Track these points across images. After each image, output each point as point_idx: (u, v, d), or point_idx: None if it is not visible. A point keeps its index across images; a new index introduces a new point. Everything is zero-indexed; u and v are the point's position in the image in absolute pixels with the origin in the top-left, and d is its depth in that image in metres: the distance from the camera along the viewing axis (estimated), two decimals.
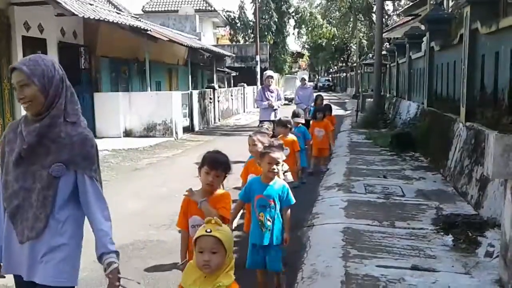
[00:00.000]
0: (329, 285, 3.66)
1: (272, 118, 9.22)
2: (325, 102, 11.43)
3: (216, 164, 2.99)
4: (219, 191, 3.11)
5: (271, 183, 3.54)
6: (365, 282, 3.68)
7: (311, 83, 75.03)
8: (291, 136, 6.20)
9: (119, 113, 13.70)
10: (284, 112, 9.50)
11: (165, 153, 11.34)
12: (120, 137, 13.65)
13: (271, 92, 9.67)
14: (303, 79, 12.49)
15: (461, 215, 5.38)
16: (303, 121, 7.83)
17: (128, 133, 13.93)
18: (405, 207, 5.82)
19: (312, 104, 11.05)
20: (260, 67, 27.31)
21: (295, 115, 7.58)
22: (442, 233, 4.80)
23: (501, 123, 5.60)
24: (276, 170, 3.54)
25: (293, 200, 3.63)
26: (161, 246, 4.75)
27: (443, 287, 3.56)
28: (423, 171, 8.08)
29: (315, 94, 11.79)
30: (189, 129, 16.01)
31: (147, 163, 9.90)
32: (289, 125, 6.23)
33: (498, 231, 4.63)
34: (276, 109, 9.54)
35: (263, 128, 5.76)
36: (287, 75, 40.23)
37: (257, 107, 10.15)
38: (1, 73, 10.27)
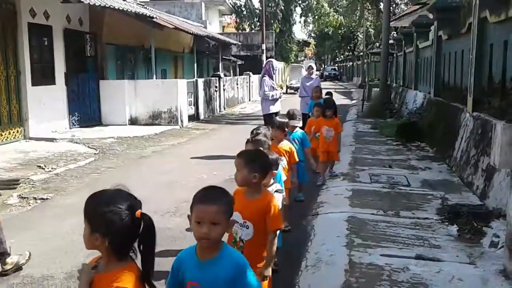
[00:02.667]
0: (333, 274, 3.67)
1: (276, 110, 8.83)
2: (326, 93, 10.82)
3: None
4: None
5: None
6: (369, 270, 3.68)
7: (317, 72, 74.89)
8: (286, 144, 4.80)
9: (125, 101, 13.71)
10: (291, 104, 9.22)
11: (170, 141, 11.35)
12: (126, 124, 13.67)
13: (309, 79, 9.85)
14: (310, 67, 10.87)
15: (467, 205, 5.36)
16: (301, 124, 5.92)
17: (133, 121, 13.94)
18: (410, 197, 5.81)
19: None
20: (266, 56, 27.21)
21: (290, 116, 5.69)
22: (447, 223, 4.79)
23: (508, 113, 5.56)
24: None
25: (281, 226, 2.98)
26: (165, 233, 4.77)
27: (447, 277, 3.55)
28: (429, 161, 8.05)
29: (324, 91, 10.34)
30: (194, 118, 16.00)
31: (152, 151, 9.92)
32: (286, 129, 4.92)
33: (503, 222, 4.61)
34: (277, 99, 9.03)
35: (261, 135, 4.19)
36: (292, 64, 40.07)
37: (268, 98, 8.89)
38: (7, 60, 10.27)
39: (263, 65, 9.56)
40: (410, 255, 3.98)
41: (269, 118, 8.25)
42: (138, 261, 1.86)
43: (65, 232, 4.93)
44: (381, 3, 25.94)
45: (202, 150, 9.59)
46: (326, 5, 40.41)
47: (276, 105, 8.91)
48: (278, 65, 9.62)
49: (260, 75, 10.18)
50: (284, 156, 4.57)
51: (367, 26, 41.91)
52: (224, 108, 20.29)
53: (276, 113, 8.47)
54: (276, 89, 8.96)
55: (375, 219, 4.96)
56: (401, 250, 4.10)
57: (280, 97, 9.01)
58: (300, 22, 48.09)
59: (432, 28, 11.11)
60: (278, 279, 3.79)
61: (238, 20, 38.69)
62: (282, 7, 35.86)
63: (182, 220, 5.03)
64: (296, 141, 5.61)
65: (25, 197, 6.21)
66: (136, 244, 1.83)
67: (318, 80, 10.78)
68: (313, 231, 4.81)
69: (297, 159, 4.80)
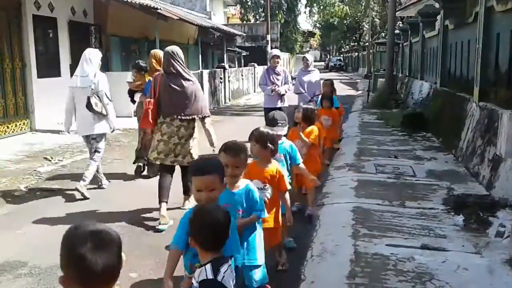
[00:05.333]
0: (339, 264, 3.68)
1: (279, 105, 7.97)
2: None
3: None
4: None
5: (234, 189, 2.96)
6: (374, 260, 3.69)
7: (322, 63, 74.49)
8: (274, 165, 3.55)
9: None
10: (293, 99, 8.81)
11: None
12: (131, 116, 13.61)
13: (277, 74, 8.14)
14: (304, 59, 9.09)
15: (473, 195, 5.35)
16: (285, 132, 4.34)
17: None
18: (415, 187, 5.80)
19: (318, 94, 8.49)
20: (271, 47, 27.09)
21: (269, 121, 4.28)
22: (453, 213, 4.78)
23: None
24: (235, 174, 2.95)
25: (266, 214, 3.14)
26: (176, 223, 4.79)
27: (453, 267, 3.56)
28: (435, 151, 8.02)
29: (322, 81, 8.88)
30: None
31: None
32: (271, 145, 3.45)
33: (509, 211, 4.61)
34: (283, 95, 8.16)
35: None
36: (297, 55, 39.88)
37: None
38: (13, 52, 10.30)
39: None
40: (416, 245, 3.98)
41: (265, 114, 7.60)
42: (150, 239, 1.86)
43: (72, 223, 4.93)
44: None
45: (207, 141, 9.58)
46: None
47: (278, 101, 8.08)
48: (276, 52, 8.42)
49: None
50: (270, 183, 3.46)
51: (373, 16, 41.63)
52: (229, 99, 20.28)
53: (275, 109, 7.39)
54: (274, 83, 8.03)
55: (381, 209, 4.96)
56: (407, 240, 4.10)
57: (284, 92, 8.15)
58: (305, 12, 47.63)
59: (438, 17, 11.02)
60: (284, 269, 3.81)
61: (242, 11, 38.50)
62: None
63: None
64: (282, 156, 4.13)
65: (32, 189, 6.26)
66: None
67: (317, 74, 8.98)
68: (318, 222, 4.81)
69: (288, 186, 3.58)
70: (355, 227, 4.41)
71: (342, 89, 25.06)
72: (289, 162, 4.27)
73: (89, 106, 5.85)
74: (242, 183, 3.00)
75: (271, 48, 26.46)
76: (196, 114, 5.12)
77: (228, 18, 40.38)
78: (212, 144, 5.30)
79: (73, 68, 12.34)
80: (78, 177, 6.89)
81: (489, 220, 4.47)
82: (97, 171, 6.19)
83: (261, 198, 3.08)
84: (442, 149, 8.13)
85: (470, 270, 3.51)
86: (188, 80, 5.04)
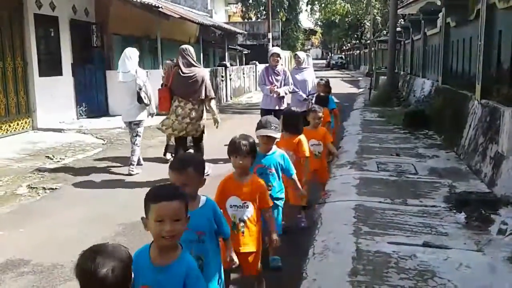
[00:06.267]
0: (340, 261, 3.68)
1: (277, 107, 7.45)
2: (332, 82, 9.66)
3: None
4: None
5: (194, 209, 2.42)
6: (376, 258, 3.69)
7: (324, 61, 74.32)
8: (254, 178, 3.14)
9: None
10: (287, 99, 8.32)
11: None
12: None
13: (277, 74, 7.49)
14: (296, 56, 8.32)
15: (474, 193, 5.35)
16: (278, 136, 3.72)
17: None
18: (417, 185, 5.80)
19: (314, 92, 7.83)
20: (272, 45, 27.08)
21: (260, 125, 3.69)
22: (454, 211, 4.78)
23: None
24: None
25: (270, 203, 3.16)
26: None
27: (455, 264, 3.55)
28: (437, 149, 8.02)
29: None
30: None
31: (159, 140, 9.94)
32: (251, 156, 3.04)
33: (511, 209, 4.60)
34: (283, 96, 7.58)
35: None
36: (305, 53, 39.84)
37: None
38: (14, 51, 10.31)
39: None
40: (418, 242, 3.98)
41: (261, 115, 6.90)
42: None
43: (74, 221, 4.98)
44: None
45: (209, 140, 9.59)
46: None
47: (276, 103, 7.52)
48: (276, 50, 7.84)
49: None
50: (250, 200, 3.03)
51: (374, 13, 41.52)
52: (231, 97, 20.27)
53: (278, 111, 7.20)
54: (274, 83, 7.45)
55: (383, 207, 4.96)
56: (409, 237, 4.10)
57: (284, 94, 7.56)
58: (306, 10, 47.58)
59: (440, 15, 11.00)
60: (286, 267, 3.82)
61: (244, 9, 38.51)
62: None
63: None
64: (273, 169, 3.65)
65: (34, 187, 6.27)
66: None
67: (311, 71, 8.22)
68: (320, 219, 4.81)
69: (270, 203, 3.15)
70: (357, 225, 4.41)
71: (343, 87, 25.09)
72: (281, 174, 3.74)
73: (139, 99, 6.90)
74: (202, 201, 2.48)
75: (273, 46, 26.45)
76: (203, 96, 6.34)
77: (229, 16, 40.37)
78: (216, 121, 6.60)
79: (74, 67, 12.44)
80: (80, 175, 6.92)
81: (491, 218, 4.47)
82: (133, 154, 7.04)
83: (221, 214, 2.59)
84: (444, 147, 8.12)
85: (472, 267, 3.51)
86: (197, 67, 6.37)
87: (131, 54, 7.07)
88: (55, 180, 6.64)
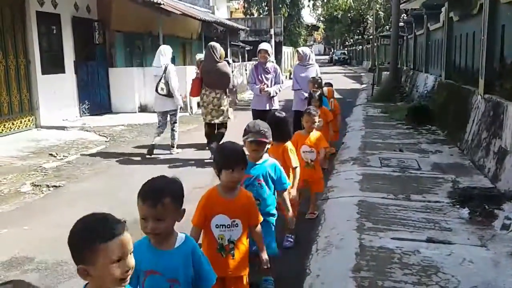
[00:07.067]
0: (344, 257, 3.68)
1: (268, 107, 7.12)
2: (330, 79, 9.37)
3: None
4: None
5: (163, 248, 2.06)
6: (379, 254, 3.69)
7: (326, 57, 74.13)
8: (243, 192, 2.76)
9: (134, 88, 13.72)
10: (290, 97, 8.10)
11: (180, 127, 11.30)
12: (135, 112, 13.72)
13: (267, 72, 7.17)
14: (298, 52, 8.03)
15: (478, 188, 5.34)
16: (269, 141, 3.22)
17: (143, 108, 13.96)
18: (420, 181, 5.79)
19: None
20: (275, 41, 27.01)
21: (253, 132, 3.16)
22: (458, 206, 4.77)
23: None
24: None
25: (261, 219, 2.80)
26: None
27: (458, 259, 3.55)
28: (440, 144, 8.00)
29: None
30: None
31: (162, 137, 9.95)
32: (245, 167, 2.71)
33: None
34: (273, 96, 7.17)
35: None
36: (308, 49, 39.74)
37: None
38: (17, 49, 10.32)
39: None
40: (421, 238, 3.97)
41: (253, 116, 7.07)
42: None
43: (77, 218, 4.98)
44: None
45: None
46: None
47: (266, 103, 7.20)
48: (264, 46, 7.28)
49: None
50: (239, 217, 2.66)
51: (377, 8, 41.39)
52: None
53: (264, 112, 6.84)
54: (263, 82, 7.10)
55: (386, 202, 4.95)
56: (412, 233, 4.10)
57: (274, 94, 7.20)
58: (308, 6, 47.39)
59: (443, 9, 10.96)
60: (289, 263, 3.82)
61: (246, 5, 38.42)
62: None
63: (193, 207, 5.06)
64: (263, 181, 3.19)
65: (38, 185, 6.29)
66: None
67: (316, 68, 7.86)
68: (323, 215, 4.81)
69: (260, 218, 2.79)
70: (360, 221, 4.41)
71: (346, 83, 25.03)
72: (272, 187, 3.25)
73: (156, 89, 7.91)
74: (179, 240, 2.04)
75: (275, 42, 26.36)
76: (225, 87, 7.43)
77: (231, 12, 40.26)
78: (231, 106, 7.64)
79: (77, 64, 12.45)
80: (83, 173, 6.94)
81: (495, 213, 4.46)
82: (158, 136, 8.08)
83: (203, 256, 2.10)
84: (447, 142, 8.11)
85: (475, 262, 3.50)
86: (220, 62, 7.29)
87: (165, 51, 8.03)
88: (59, 178, 6.66)
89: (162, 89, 7.84)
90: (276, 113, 4.20)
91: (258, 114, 6.63)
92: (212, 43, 7.43)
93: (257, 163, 3.19)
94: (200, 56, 8.40)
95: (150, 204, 1.91)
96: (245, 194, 2.73)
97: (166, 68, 7.84)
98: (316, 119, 4.79)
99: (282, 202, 3.35)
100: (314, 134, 4.79)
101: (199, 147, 8.61)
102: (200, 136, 8.81)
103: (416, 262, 3.52)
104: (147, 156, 7.80)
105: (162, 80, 7.82)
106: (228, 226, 2.61)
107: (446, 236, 4.00)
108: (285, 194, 3.35)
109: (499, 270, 3.39)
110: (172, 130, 8.23)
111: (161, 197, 1.91)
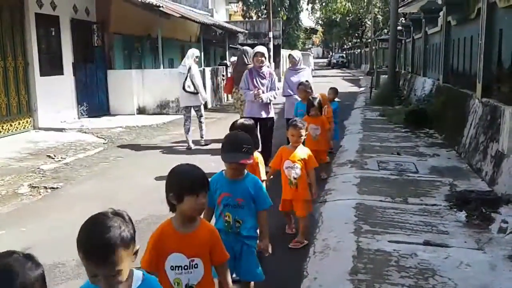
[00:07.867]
0: (341, 260, 3.69)
1: (263, 115, 6.67)
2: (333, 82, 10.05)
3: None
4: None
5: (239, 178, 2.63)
6: (377, 257, 3.70)
7: (325, 60, 74.21)
8: (204, 225, 2.30)
9: (133, 90, 13.74)
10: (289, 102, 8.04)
11: (178, 130, 11.34)
12: (134, 114, 13.72)
13: (262, 77, 6.71)
14: (291, 57, 7.70)
15: (475, 191, 5.35)
16: (250, 161, 2.87)
17: (141, 111, 13.98)
18: (418, 184, 5.80)
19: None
20: (273, 44, 27.05)
21: (231, 146, 2.83)
22: (455, 209, 4.79)
23: None
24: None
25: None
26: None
27: (455, 263, 3.56)
28: (438, 147, 8.02)
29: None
30: None
31: (160, 140, 9.96)
32: (195, 192, 2.15)
33: None
34: (268, 103, 6.71)
35: None
36: (301, 52, 39.83)
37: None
38: (16, 51, 10.32)
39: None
40: (418, 241, 3.98)
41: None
42: None
43: (75, 220, 4.94)
44: None
45: (211, 139, 9.62)
46: None
47: (262, 110, 6.72)
48: (260, 48, 6.81)
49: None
50: (200, 255, 2.20)
51: (375, 12, 41.50)
52: (232, 96, 20.24)
53: (258, 120, 6.31)
54: (258, 87, 6.62)
55: (383, 205, 4.96)
56: (409, 236, 4.11)
57: (268, 101, 6.70)
58: (307, 9, 47.54)
59: (441, 13, 10.99)
60: (287, 265, 3.83)
61: (244, 8, 38.50)
62: None
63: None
64: (242, 200, 2.85)
65: (35, 187, 6.28)
66: None
67: (308, 72, 7.66)
68: (321, 218, 4.82)
69: (226, 255, 2.32)
70: (357, 224, 4.42)
71: (344, 86, 25.05)
72: (253, 206, 2.89)
73: (183, 87, 8.78)
74: (136, 280, 1.70)
75: (274, 45, 26.39)
76: None
77: (230, 15, 40.31)
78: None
79: (75, 66, 12.45)
80: (81, 174, 6.94)
81: (492, 216, 4.47)
82: (188, 133, 8.90)
83: None
84: (444, 146, 8.13)
85: (472, 266, 3.51)
86: (250, 65, 7.53)
87: (193, 52, 9.00)
88: (57, 180, 6.66)
89: (189, 86, 8.74)
90: (244, 121, 3.90)
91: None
92: (245, 48, 8.75)
93: (236, 179, 2.85)
94: (234, 58, 10.19)
95: (100, 263, 1.57)
96: (207, 226, 2.27)
97: (190, 68, 8.70)
98: (303, 132, 4.21)
99: (259, 224, 2.93)
100: (301, 150, 4.23)
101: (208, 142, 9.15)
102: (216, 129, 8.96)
103: (413, 265, 3.53)
104: (188, 149, 8.73)
105: (188, 79, 8.71)
106: (186, 267, 2.16)
107: (443, 239, 4.01)
108: (265, 215, 2.93)
109: (496, 274, 3.40)
110: (200, 122, 9.20)
111: (112, 249, 1.59)
